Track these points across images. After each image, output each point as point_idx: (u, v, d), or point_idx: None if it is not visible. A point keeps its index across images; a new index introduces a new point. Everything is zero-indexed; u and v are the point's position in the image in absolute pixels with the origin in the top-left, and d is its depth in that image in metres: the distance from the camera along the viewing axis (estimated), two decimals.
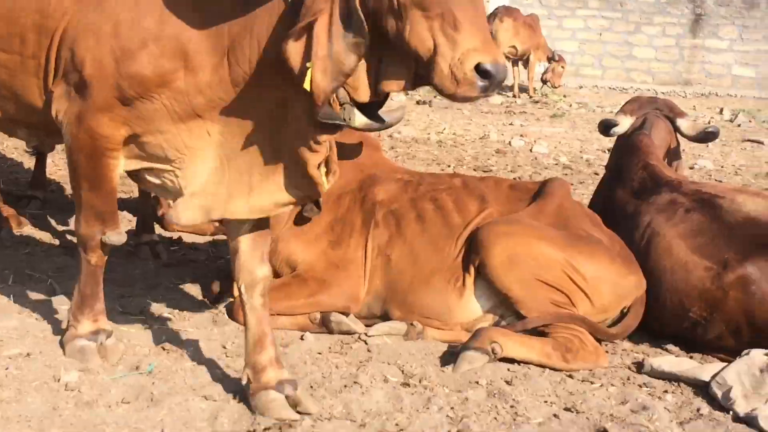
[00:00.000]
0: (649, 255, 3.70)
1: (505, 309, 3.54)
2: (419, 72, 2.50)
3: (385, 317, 3.69)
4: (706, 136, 4.51)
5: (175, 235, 4.94)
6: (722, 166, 8.63)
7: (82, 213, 3.03)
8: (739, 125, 12.40)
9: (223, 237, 4.76)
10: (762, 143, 10.30)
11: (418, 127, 9.87)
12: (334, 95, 2.57)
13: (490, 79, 2.35)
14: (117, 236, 3.05)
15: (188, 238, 4.94)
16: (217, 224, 4.81)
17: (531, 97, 14.31)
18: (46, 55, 2.94)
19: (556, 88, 14.82)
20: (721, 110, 13.77)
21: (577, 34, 16.39)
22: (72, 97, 2.88)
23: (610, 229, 3.81)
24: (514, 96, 14.34)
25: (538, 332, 3.44)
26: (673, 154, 4.74)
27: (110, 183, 2.97)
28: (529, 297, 3.44)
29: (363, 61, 2.52)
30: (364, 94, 2.58)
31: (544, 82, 14.74)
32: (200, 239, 4.96)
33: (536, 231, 3.55)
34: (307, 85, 2.44)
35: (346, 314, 3.67)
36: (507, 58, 14.65)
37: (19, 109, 3.15)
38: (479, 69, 2.34)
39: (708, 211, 3.64)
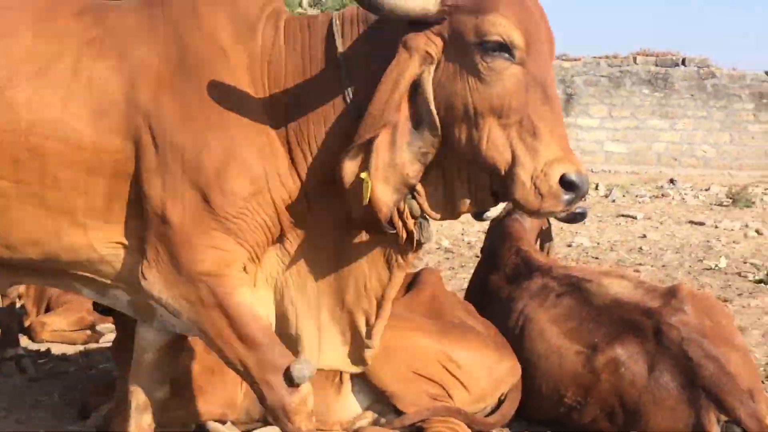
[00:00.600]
0: (523, 341, 3.73)
1: (384, 405, 3.49)
2: (495, 187, 2.31)
3: (265, 421, 3.59)
4: (574, 218, 4.62)
5: (42, 347, 4.74)
6: (598, 243, 8.86)
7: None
8: (613, 200, 12.83)
9: (96, 345, 4.60)
10: (635, 218, 10.65)
11: None
12: (407, 210, 2.38)
13: (575, 191, 2.18)
14: None
15: (57, 348, 4.75)
16: (88, 332, 4.64)
17: None
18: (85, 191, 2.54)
19: None
20: (597, 186, 14.21)
21: None
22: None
23: (486, 314, 3.84)
24: None
25: (417, 428, 3.40)
26: (544, 236, 4.84)
27: None
28: (405, 391, 3.41)
29: (440, 176, 2.37)
30: (437, 212, 2.41)
31: None
32: (71, 349, 4.78)
33: (410, 323, 3.54)
34: (366, 199, 2.21)
35: (224, 422, 3.55)
36: None
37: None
38: (564, 180, 2.16)
39: (577, 295, 3.71)
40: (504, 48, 2.19)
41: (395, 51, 2.23)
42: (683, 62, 17.89)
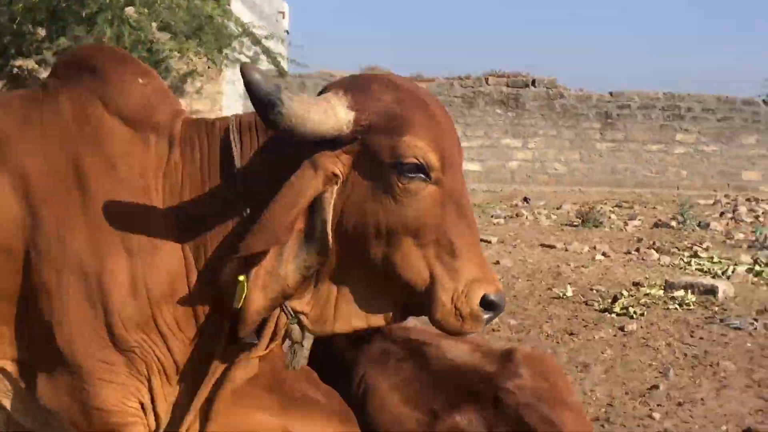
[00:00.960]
0: (365, 409, 3.71)
1: None
2: (410, 302, 2.25)
3: None
4: None
5: None
6: None
7: None
8: None
9: None
10: (490, 242, 10.86)
11: None
12: (288, 332, 2.32)
13: (495, 310, 2.18)
14: None
15: None
16: None
17: None
18: None
19: None
20: None
21: None
22: None
23: (330, 380, 3.79)
24: None
25: None
26: None
27: None
28: None
29: (333, 287, 2.27)
30: (329, 327, 2.32)
31: None
32: None
33: (251, 399, 3.47)
34: (239, 303, 2.13)
35: None
36: None
37: None
38: (485, 301, 2.16)
39: (417, 360, 3.72)
40: (420, 169, 2.15)
41: (297, 166, 2.15)
42: (533, 83, 18.46)
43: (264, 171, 2.30)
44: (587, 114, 18.28)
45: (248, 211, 2.29)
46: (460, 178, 2.27)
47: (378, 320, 2.33)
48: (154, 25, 12.28)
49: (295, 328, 2.32)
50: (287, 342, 2.44)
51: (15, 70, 13.66)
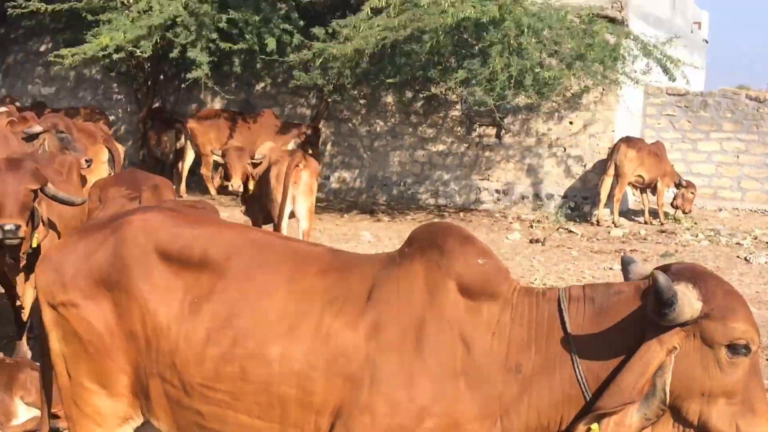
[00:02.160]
0: None
1: None
2: None
3: None
4: None
5: None
6: None
7: None
8: None
9: None
10: None
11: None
12: None
13: None
14: None
15: None
16: None
17: (662, 223, 14.58)
18: (312, 428, 2.96)
19: (686, 213, 15.00)
20: None
21: (713, 157, 16.52)
22: None
23: None
24: (645, 222, 14.71)
25: None
26: None
27: None
28: None
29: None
30: None
31: (675, 207, 14.97)
32: None
33: None
34: None
35: None
36: (634, 186, 15.09)
37: None
38: None
39: None
40: (747, 348, 2.72)
41: (627, 335, 2.77)
42: None
43: (596, 338, 2.82)
44: None
45: (578, 365, 2.81)
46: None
47: None
48: (542, 51, 13.05)
49: None
50: None
51: (422, 93, 15.32)
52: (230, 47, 14.39)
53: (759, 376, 2.77)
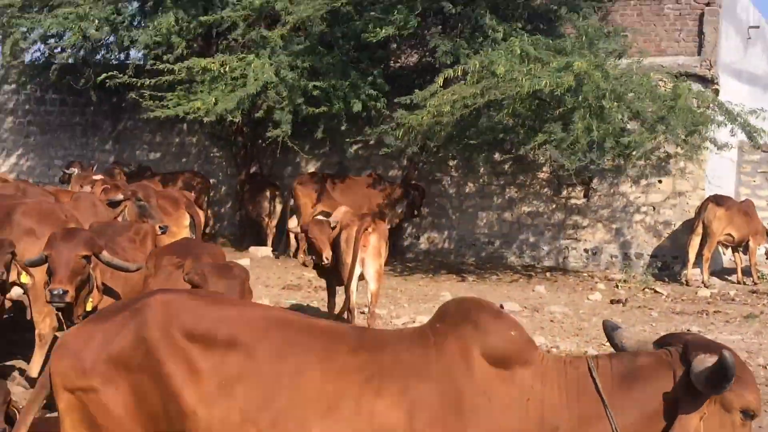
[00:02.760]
0: None
1: None
2: None
3: None
4: None
5: None
6: None
7: None
8: None
9: None
10: None
11: (584, 337, 10.41)
12: None
13: None
14: None
15: None
16: None
17: (755, 283, 14.27)
18: None
19: None
20: None
21: None
22: None
23: None
24: (737, 282, 14.42)
25: None
26: None
27: None
28: None
29: None
30: None
31: None
32: None
33: None
34: None
35: None
36: (724, 245, 14.83)
37: None
38: None
39: None
40: (754, 413, 3.18)
41: (655, 398, 3.12)
42: None
43: (627, 400, 3.13)
44: None
45: (616, 426, 3.09)
46: None
47: None
48: (624, 115, 13.09)
49: None
50: None
51: (510, 154, 15.50)
52: (313, 111, 14.97)
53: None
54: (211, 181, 18.68)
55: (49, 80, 18.18)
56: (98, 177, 11.28)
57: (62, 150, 20.48)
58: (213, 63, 15.03)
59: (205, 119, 14.98)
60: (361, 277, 9.30)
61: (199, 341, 3.16)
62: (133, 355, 3.17)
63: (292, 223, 15.84)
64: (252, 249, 16.12)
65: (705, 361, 3.11)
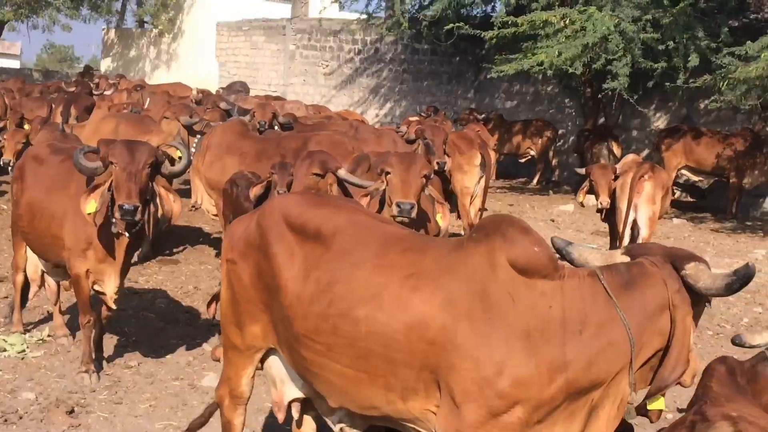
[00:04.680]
0: None
1: None
2: None
3: None
4: None
5: None
6: None
7: None
8: None
9: None
10: None
11: None
12: None
13: None
14: None
15: None
16: None
17: None
18: (398, 379, 3.59)
19: None
20: None
21: None
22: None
23: None
24: None
25: None
26: None
27: None
28: None
29: None
30: None
31: None
32: None
33: None
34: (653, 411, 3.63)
35: None
36: None
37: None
38: None
39: None
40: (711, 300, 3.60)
41: (654, 301, 3.44)
42: None
43: (632, 304, 3.45)
44: None
45: (628, 325, 3.41)
46: None
47: None
48: None
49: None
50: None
51: None
52: (650, 65, 14.96)
53: None
54: (560, 131, 19.29)
55: (422, 32, 19.84)
56: (414, 118, 12.52)
57: (430, 96, 22.23)
58: (554, 16, 15.59)
59: (548, 72, 15.64)
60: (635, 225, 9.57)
61: (298, 231, 3.93)
62: (255, 237, 4.05)
63: None
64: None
65: (702, 269, 3.46)
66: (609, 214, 10.08)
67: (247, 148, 9.07)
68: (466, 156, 10.51)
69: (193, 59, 28.73)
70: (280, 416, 4.30)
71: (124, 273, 6.08)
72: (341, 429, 4.10)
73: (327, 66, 24.45)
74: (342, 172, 6.62)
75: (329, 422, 4.15)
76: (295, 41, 25.07)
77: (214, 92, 19.04)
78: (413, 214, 6.02)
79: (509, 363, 3.41)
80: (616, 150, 16.95)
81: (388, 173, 6.12)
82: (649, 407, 3.62)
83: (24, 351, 6.58)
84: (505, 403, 3.42)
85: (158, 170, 5.68)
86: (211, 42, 27.91)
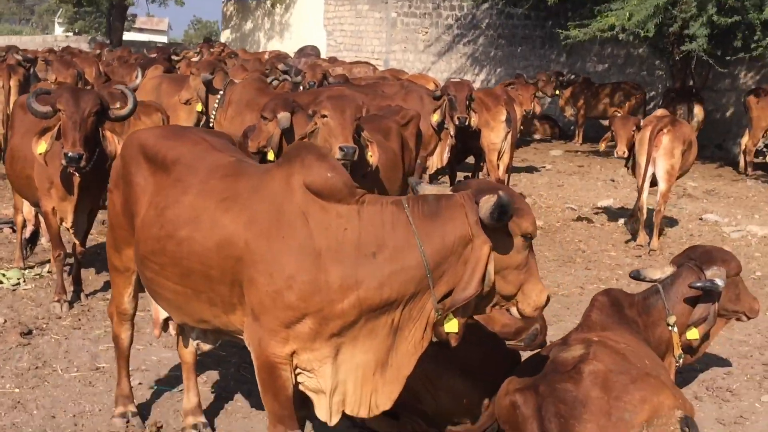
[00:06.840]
0: None
1: None
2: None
3: None
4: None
5: None
6: None
7: (269, 418, 3.90)
8: None
9: None
10: None
11: None
12: None
13: None
14: None
15: None
16: None
17: None
18: (216, 294, 3.94)
19: None
20: None
21: None
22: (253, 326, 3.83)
23: None
24: None
25: None
26: None
27: (286, 391, 3.81)
28: None
29: None
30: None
31: None
32: None
33: None
34: (451, 329, 3.78)
35: None
36: None
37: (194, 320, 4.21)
38: None
39: None
40: (531, 236, 3.73)
41: (455, 229, 3.68)
42: None
43: (433, 231, 3.67)
44: None
45: (424, 253, 3.66)
46: None
47: None
48: None
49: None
50: None
51: None
52: (726, 21, 14.44)
53: (534, 255, 3.81)
54: (651, 93, 18.84)
55: None
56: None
57: (524, 61, 22.13)
58: None
59: (620, 36, 15.35)
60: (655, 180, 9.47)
61: (151, 161, 4.28)
62: (120, 168, 4.46)
63: (744, 138, 15.68)
64: None
65: (489, 200, 3.60)
66: (633, 167, 9.99)
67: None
68: (492, 112, 10.61)
69: (303, 29, 29.37)
70: (156, 332, 4.68)
71: (84, 210, 6.59)
72: (198, 344, 4.57)
73: (426, 33, 24.57)
74: (281, 115, 6.90)
75: (190, 339, 4.65)
76: (397, 8, 25.29)
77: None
78: (356, 157, 6.24)
79: (298, 278, 3.68)
80: (697, 111, 16.52)
81: (324, 116, 6.34)
82: (445, 329, 3.83)
83: (18, 284, 7.20)
84: (294, 314, 3.71)
85: (105, 115, 6.12)
86: (320, 12, 28.46)
